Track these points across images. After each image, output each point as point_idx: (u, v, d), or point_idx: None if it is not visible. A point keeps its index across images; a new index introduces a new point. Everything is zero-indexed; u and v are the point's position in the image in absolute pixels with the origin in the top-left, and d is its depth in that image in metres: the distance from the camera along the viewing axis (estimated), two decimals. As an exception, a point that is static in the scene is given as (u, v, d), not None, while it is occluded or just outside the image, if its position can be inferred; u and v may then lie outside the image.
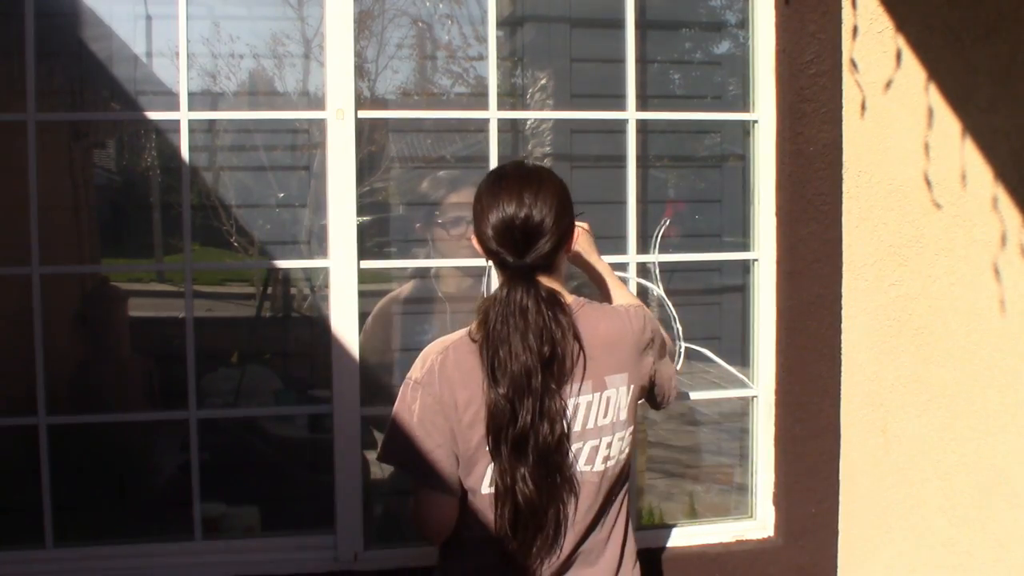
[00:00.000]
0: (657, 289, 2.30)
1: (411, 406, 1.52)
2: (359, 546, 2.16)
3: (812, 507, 2.35)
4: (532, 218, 1.50)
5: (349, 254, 2.12)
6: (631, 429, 1.57)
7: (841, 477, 2.38)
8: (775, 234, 2.33)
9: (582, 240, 1.80)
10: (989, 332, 2.41)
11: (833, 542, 2.38)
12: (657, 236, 2.34)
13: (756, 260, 2.37)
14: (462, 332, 1.55)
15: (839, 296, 2.33)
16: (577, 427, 1.51)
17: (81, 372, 2.85)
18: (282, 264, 3.23)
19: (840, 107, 2.30)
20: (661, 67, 2.82)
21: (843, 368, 2.35)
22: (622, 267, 2.31)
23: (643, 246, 2.33)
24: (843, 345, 2.35)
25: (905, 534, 2.43)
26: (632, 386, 1.56)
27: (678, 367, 2.27)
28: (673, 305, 2.33)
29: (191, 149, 2.12)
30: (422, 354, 1.56)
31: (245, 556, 2.16)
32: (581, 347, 1.51)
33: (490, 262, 1.57)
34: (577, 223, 1.70)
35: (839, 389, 2.35)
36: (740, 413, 2.53)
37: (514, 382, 1.44)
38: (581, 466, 1.51)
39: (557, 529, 1.50)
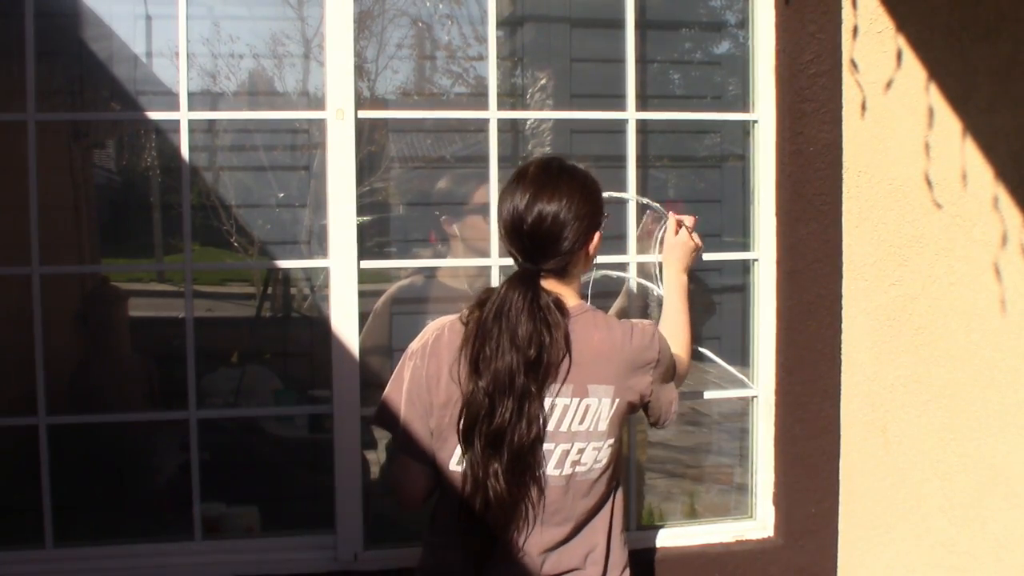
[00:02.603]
0: (657, 289, 2.30)
1: (403, 375, 1.57)
2: (359, 546, 2.16)
3: (812, 507, 2.35)
4: (542, 225, 1.49)
5: (349, 254, 2.12)
6: (611, 442, 1.55)
7: (841, 477, 2.38)
8: (775, 234, 2.33)
9: (678, 250, 1.93)
10: (989, 332, 2.42)
11: (833, 542, 2.38)
12: (657, 236, 2.34)
13: (756, 260, 2.37)
14: (457, 317, 1.57)
15: (839, 296, 2.34)
16: (550, 427, 1.51)
17: (81, 372, 2.85)
18: (282, 264, 3.24)
19: (840, 107, 2.30)
20: (661, 67, 2.82)
21: (843, 368, 2.35)
22: (622, 267, 2.31)
23: (643, 246, 2.33)
24: (843, 345, 2.35)
25: (905, 534, 2.43)
26: (617, 400, 1.54)
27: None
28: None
29: (191, 149, 2.12)
30: (425, 328, 1.60)
31: (245, 556, 2.15)
32: (568, 351, 1.50)
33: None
34: (691, 232, 1.88)
35: (839, 389, 2.35)
36: (740, 413, 2.53)
37: (496, 379, 1.45)
38: (550, 470, 1.51)
39: (524, 524, 1.52)
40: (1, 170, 2.35)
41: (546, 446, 1.51)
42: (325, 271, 2.15)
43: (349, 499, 2.15)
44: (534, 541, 1.53)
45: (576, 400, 1.51)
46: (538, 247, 1.51)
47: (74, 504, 2.26)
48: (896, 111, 2.33)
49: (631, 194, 2.29)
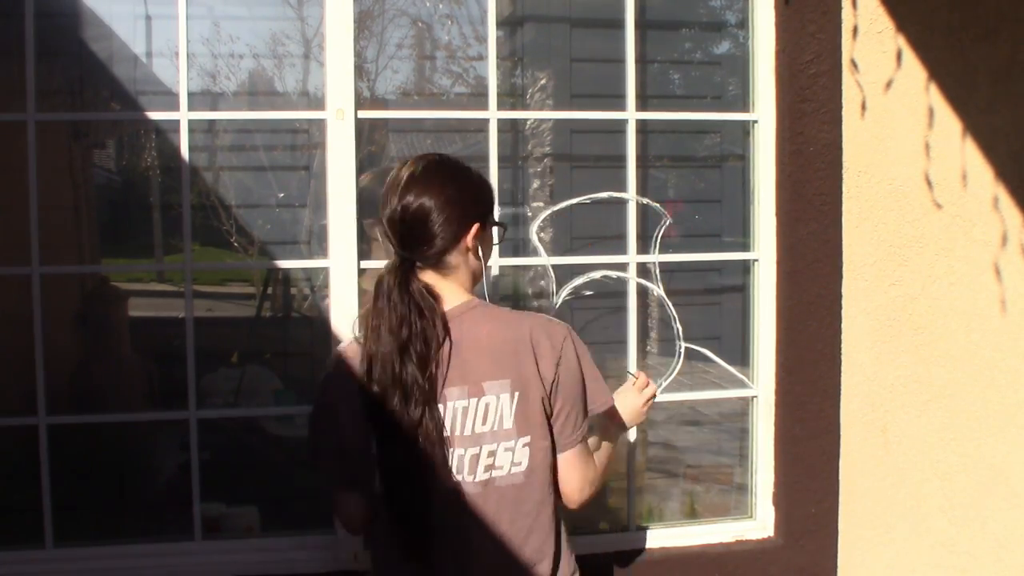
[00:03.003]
0: (657, 289, 2.30)
1: (313, 413, 1.57)
2: (358, 546, 2.15)
3: (812, 507, 2.35)
4: (412, 213, 1.48)
5: (349, 254, 2.12)
6: (525, 440, 1.49)
7: (841, 477, 2.38)
8: (775, 234, 2.33)
9: (628, 411, 1.77)
10: (989, 332, 2.41)
11: (833, 542, 2.38)
12: (657, 236, 2.34)
13: (756, 260, 2.37)
14: (352, 337, 1.55)
15: (839, 296, 2.34)
16: (456, 432, 1.47)
17: (81, 372, 2.85)
18: (282, 264, 3.23)
19: (840, 107, 2.30)
20: (661, 67, 2.81)
21: (843, 368, 2.35)
22: (622, 267, 2.31)
23: (643, 246, 2.33)
24: (843, 345, 2.35)
25: (905, 534, 2.43)
26: (518, 394, 1.48)
27: (677, 368, 2.28)
28: (673, 305, 2.33)
29: (191, 149, 2.12)
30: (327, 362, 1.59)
31: (245, 556, 2.16)
32: (449, 340, 1.47)
33: None
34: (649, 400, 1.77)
35: (839, 389, 2.35)
36: (740, 413, 2.53)
37: (384, 370, 1.44)
38: (464, 475, 1.47)
39: (447, 535, 1.47)
40: (1, 170, 2.35)
41: (455, 451, 1.47)
42: (325, 271, 2.15)
43: (349, 499, 2.14)
44: (467, 554, 1.49)
45: (474, 400, 1.47)
46: (409, 234, 1.49)
47: (74, 504, 2.26)
48: (896, 111, 2.33)
49: (631, 194, 2.29)
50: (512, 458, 1.48)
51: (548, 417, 1.52)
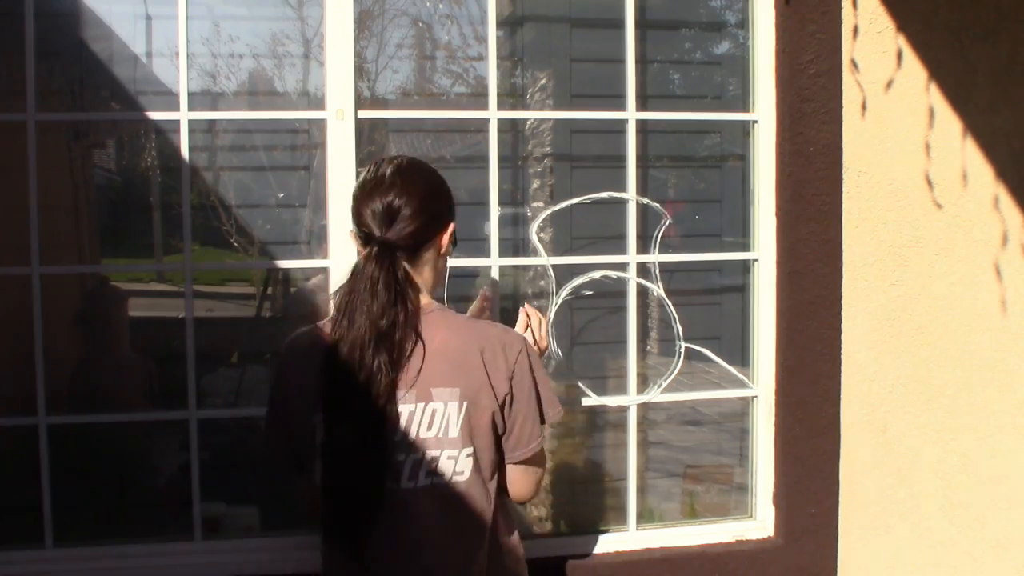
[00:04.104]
0: (657, 289, 2.30)
1: (270, 395, 1.59)
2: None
3: (812, 507, 2.35)
4: (395, 200, 1.45)
5: (349, 254, 2.12)
6: (470, 451, 1.47)
7: (841, 477, 2.38)
8: (775, 234, 2.33)
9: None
10: (989, 332, 2.41)
11: (833, 542, 2.38)
12: (657, 236, 2.34)
13: (756, 260, 2.37)
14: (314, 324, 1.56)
15: (839, 296, 2.34)
16: (401, 434, 1.44)
17: (81, 372, 2.85)
18: (282, 264, 3.23)
19: (840, 107, 2.30)
20: (661, 67, 2.81)
21: (843, 368, 2.35)
22: (622, 267, 2.31)
23: (643, 246, 2.33)
24: (843, 345, 2.35)
25: (905, 534, 2.43)
26: (466, 404, 1.46)
27: (677, 368, 2.28)
28: (673, 305, 2.33)
29: (191, 149, 2.12)
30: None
31: (245, 556, 2.16)
32: (419, 338, 1.45)
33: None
34: (539, 334, 1.72)
35: (839, 389, 2.35)
36: (740, 413, 2.53)
37: (351, 355, 1.40)
38: (404, 479, 1.44)
39: (383, 536, 1.45)
40: (1, 170, 2.35)
41: (399, 454, 1.44)
42: (325, 271, 2.15)
43: (349, 499, 2.14)
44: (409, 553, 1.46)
45: (421, 405, 1.45)
46: (391, 218, 1.46)
47: (74, 504, 2.26)
48: (896, 111, 2.33)
49: (631, 194, 2.29)
50: (454, 467, 1.47)
51: (497, 431, 1.50)
